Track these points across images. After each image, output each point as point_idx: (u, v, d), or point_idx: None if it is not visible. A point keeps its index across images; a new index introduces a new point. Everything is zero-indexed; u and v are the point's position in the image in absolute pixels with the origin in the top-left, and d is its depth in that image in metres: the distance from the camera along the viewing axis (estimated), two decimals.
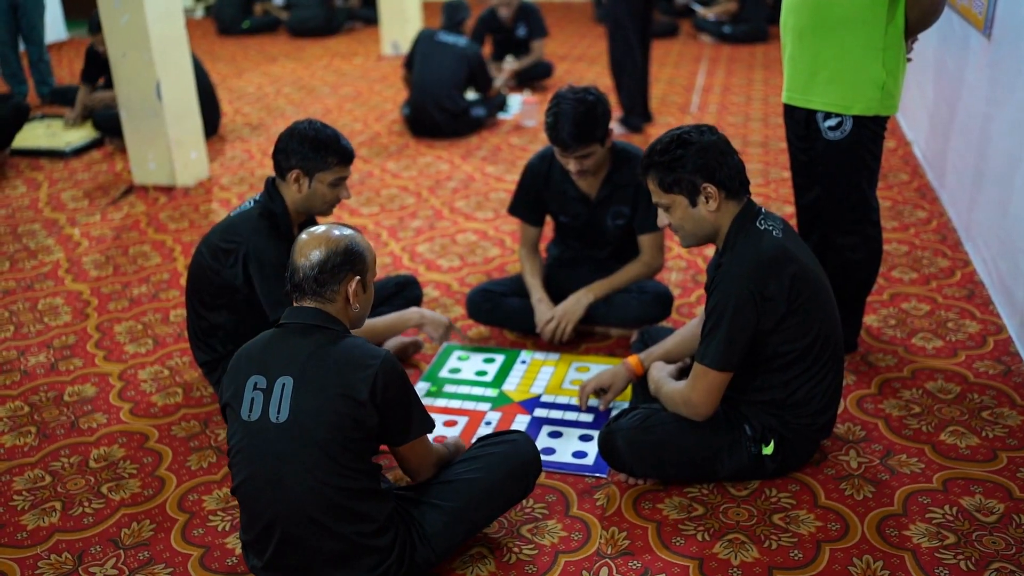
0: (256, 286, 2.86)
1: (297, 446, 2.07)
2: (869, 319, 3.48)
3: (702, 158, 2.42)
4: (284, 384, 2.09)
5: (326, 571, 2.14)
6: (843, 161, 2.99)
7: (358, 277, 2.19)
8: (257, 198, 2.95)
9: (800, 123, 3.09)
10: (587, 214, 3.42)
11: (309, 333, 2.13)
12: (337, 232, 2.19)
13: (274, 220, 2.90)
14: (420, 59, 6.13)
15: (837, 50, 2.90)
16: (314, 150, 2.84)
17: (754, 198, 2.55)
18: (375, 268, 2.28)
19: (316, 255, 2.14)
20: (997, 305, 3.52)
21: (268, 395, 2.10)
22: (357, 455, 2.11)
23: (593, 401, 3.02)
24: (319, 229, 2.20)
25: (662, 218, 2.56)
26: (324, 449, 2.06)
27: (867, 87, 2.89)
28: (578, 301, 3.33)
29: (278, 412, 2.08)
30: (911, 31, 2.90)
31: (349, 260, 2.17)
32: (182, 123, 5.28)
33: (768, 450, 2.56)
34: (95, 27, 5.95)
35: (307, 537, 2.10)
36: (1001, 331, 3.36)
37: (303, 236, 2.20)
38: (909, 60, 3.00)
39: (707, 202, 2.45)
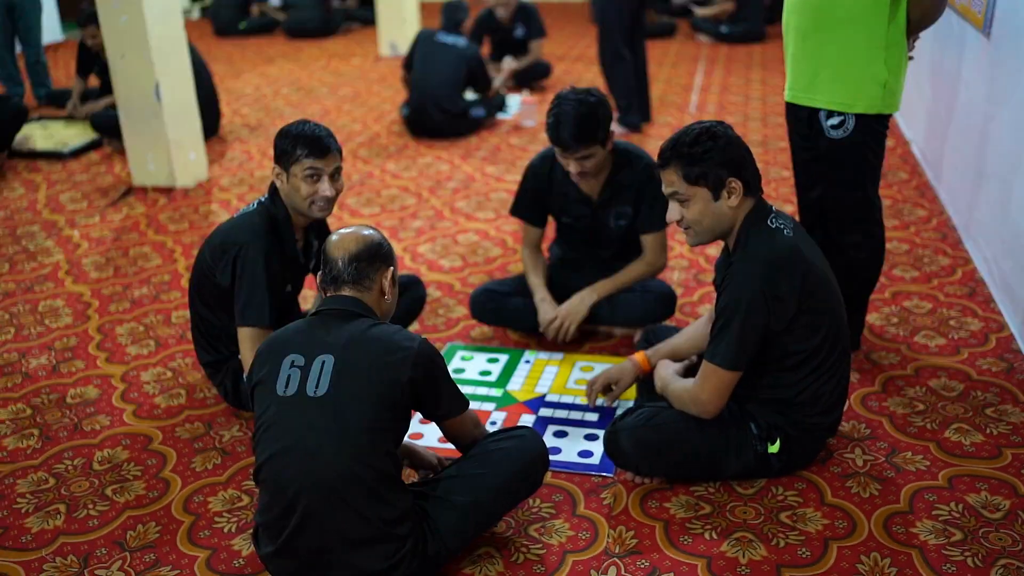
0: (236, 286, 2.84)
1: (337, 421, 2.11)
2: (872, 317, 3.48)
3: (730, 153, 2.42)
4: (324, 361, 2.15)
5: (343, 553, 2.13)
6: (845, 159, 2.99)
7: (392, 268, 2.31)
8: (261, 200, 2.95)
9: (803, 121, 3.09)
10: (589, 215, 3.42)
11: (349, 318, 2.22)
12: (367, 231, 2.34)
13: (274, 223, 2.90)
14: (420, 60, 6.13)
15: (840, 49, 2.90)
16: (284, 143, 2.84)
17: None
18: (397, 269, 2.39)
19: (353, 247, 2.27)
20: (998, 303, 3.53)
21: (306, 371, 2.15)
22: (393, 439, 2.19)
23: (600, 400, 3.00)
24: (351, 228, 2.33)
25: (674, 212, 2.51)
26: (366, 428, 2.11)
27: (869, 85, 2.89)
28: (582, 300, 3.33)
29: (316, 386, 2.13)
30: (913, 29, 2.91)
31: (382, 253, 2.31)
32: (181, 124, 5.26)
33: (774, 448, 2.56)
34: (84, 20, 5.98)
35: (331, 515, 2.11)
36: (1003, 328, 3.37)
37: (334, 236, 2.31)
38: (911, 58, 3.01)
39: (729, 197, 2.44)
